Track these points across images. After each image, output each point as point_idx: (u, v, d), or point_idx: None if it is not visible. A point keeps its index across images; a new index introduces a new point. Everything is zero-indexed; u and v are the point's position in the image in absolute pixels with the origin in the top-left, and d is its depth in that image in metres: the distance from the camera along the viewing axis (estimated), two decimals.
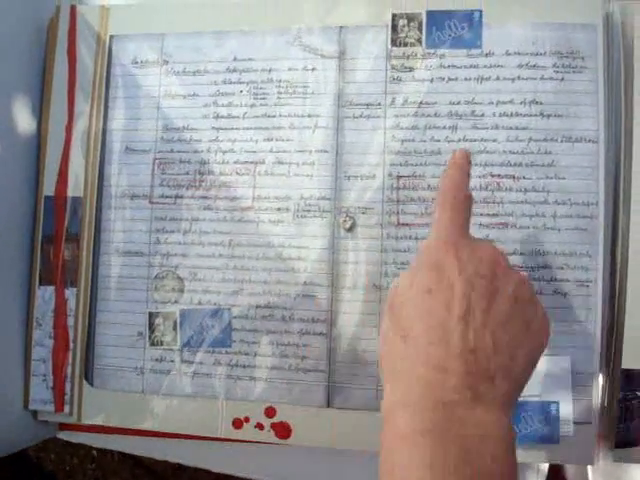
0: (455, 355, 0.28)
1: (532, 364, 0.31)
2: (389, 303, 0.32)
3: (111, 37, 0.47)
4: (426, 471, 0.27)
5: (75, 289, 0.46)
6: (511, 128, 0.42)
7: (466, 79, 0.43)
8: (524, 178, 0.42)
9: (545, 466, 0.45)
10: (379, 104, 0.44)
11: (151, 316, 0.45)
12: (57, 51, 0.47)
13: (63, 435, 0.49)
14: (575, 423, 0.40)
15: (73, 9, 0.48)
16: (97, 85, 0.47)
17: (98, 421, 0.46)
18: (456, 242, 0.32)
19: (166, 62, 0.46)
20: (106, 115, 0.47)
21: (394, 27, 0.44)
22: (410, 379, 0.29)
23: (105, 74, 0.47)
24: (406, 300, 0.31)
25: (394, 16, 0.44)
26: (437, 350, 0.29)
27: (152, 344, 0.45)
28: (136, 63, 0.47)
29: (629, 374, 0.41)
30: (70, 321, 0.46)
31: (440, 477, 0.27)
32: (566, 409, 0.40)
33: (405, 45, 0.44)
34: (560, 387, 0.41)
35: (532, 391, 0.41)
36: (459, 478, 0.26)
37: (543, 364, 0.41)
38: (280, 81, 0.45)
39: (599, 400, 0.41)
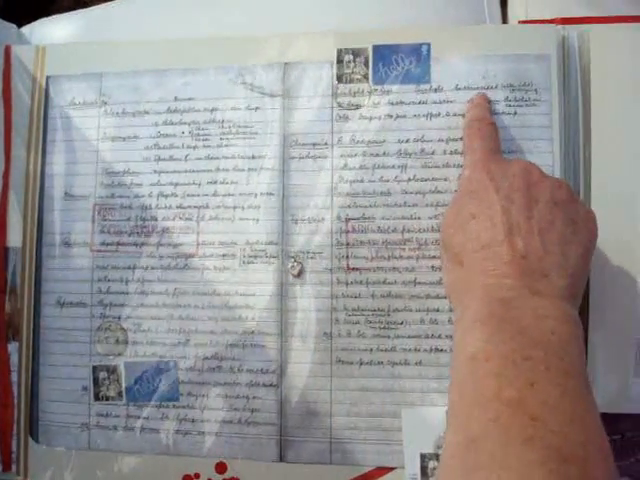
0: (508, 263, 0.30)
1: (585, 258, 0.32)
2: (441, 239, 0.36)
3: (47, 78, 0.45)
4: (481, 344, 0.28)
5: (17, 343, 0.44)
6: (462, 166, 0.40)
7: (415, 116, 0.41)
8: None
9: None
10: (326, 144, 0.42)
11: (95, 370, 0.43)
12: None
13: None
14: None
15: (7, 49, 0.45)
16: (34, 129, 0.45)
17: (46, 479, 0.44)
18: (487, 166, 0.35)
19: (105, 103, 0.44)
20: (44, 160, 0.44)
21: (340, 63, 0.42)
22: (470, 292, 0.31)
23: (42, 117, 0.45)
24: (455, 230, 0.34)
25: (339, 51, 0.42)
26: (491, 263, 0.31)
27: (97, 399, 0.43)
28: (74, 104, 0.45)
29: None
30: (14, 377, 0.44)
31: (494, 348, 0.28)
32: None
33: (351, 82, 0.42)
34: None
35: None
36: (514, 345, 0.27)
37: None
38: (223, 121, 0.43)
39: None
